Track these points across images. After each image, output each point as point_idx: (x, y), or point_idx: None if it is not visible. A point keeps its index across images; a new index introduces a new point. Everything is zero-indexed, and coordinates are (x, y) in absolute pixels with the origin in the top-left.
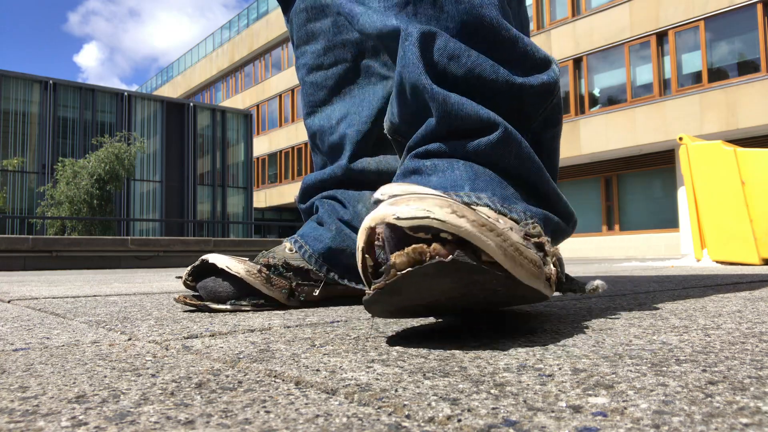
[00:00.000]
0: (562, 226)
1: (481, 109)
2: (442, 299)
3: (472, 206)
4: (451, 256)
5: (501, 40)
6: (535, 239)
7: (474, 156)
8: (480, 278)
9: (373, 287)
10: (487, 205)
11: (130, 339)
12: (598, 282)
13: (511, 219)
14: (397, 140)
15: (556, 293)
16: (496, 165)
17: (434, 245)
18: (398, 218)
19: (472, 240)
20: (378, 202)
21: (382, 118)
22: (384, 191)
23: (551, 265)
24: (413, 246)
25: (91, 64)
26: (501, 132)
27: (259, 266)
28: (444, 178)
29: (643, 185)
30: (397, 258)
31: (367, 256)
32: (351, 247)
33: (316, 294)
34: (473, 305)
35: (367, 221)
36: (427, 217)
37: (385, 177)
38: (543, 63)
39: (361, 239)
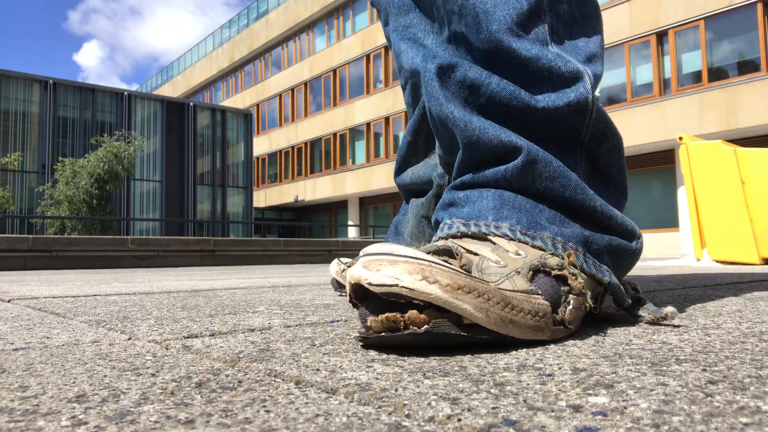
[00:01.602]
0: (622, 245)
1: (503, 132)
2: (432, 347)
3: (490, 236)
4: (426, 326)
5: (521, 61)
6: (556, 271)
7: (504, 182)
8: (463, 340)
9: (360, 335)
10: (506, 235)
11: (130, 338)
12: (669, 309)
13: (535, 247)
14: (450, 173)
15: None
16: (528, 189)
17: (409, 313)
18: (370, 284)
19: (445, 306)
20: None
21: (425, 126)
22: (364, 249)
23: (570, 303)
24: (386, 315)
25: (91, 63)
26: (524, 156)
27: (344, 266)
28: (472, 209)
29: (643, 185)
30: (372, 322)
31: (355, 301)
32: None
33: None
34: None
35: (348, 278)
36: (396, 285)
37: (419, 187)
38: (572, 77)
39: (348, 290)
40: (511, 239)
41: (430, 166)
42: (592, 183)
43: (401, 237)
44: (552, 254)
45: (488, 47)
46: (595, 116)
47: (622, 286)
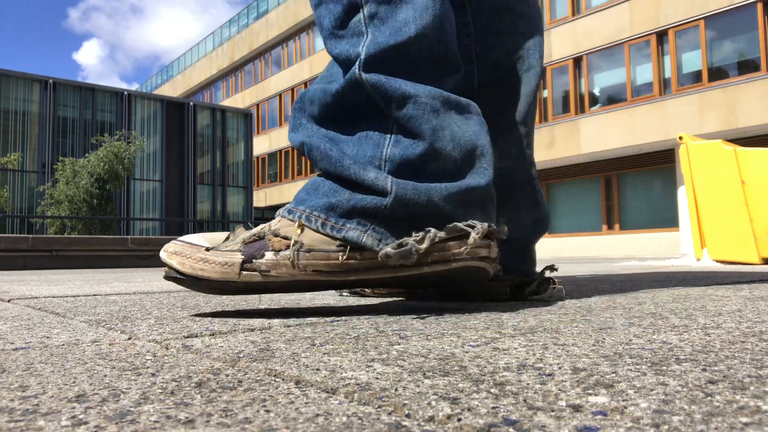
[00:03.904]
0: (370, 203)
1: (295, 134)
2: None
3: (288, 218)
4: (165, 274)
5: (333, 56)
6: (270, 236)
7: (319, 172)
8: (182, 283)
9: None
10: (280, 215)
11: (130, 338)
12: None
13: (290, 220)
14: None
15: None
16: (323, 171)
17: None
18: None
19: (165, 263)
20: None
21: None
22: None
23: (264, 256)
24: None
25: (91, 62)
26: (303, 149)
27: None
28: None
29: (643, 184)
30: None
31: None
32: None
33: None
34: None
35: None
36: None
37: None
38: (350, 63)
39: None
40: (289, 219)
41: None
42: (403, 147)
43: None
44: (290, 223)
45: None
46: (371, 88)
47: (378, 241)
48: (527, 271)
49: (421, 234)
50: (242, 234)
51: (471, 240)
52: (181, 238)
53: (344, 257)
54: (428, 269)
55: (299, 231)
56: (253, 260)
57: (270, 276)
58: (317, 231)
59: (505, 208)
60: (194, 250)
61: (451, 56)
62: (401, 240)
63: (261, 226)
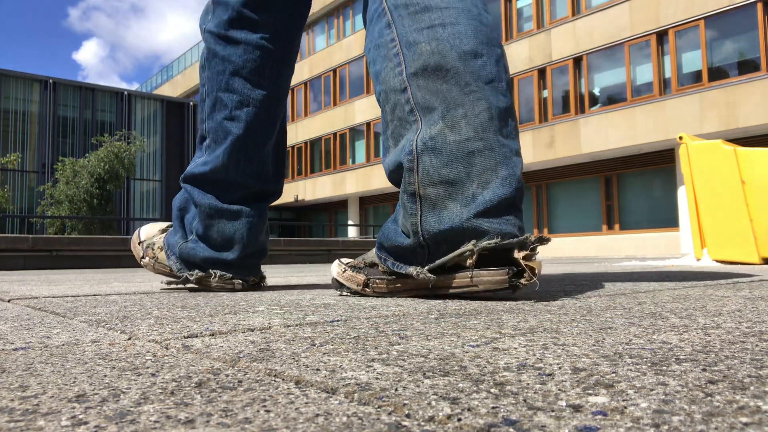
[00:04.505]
0: (174, 251)
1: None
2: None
3: (161, 240)
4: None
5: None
6: (149, 248)
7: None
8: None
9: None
10: (161, 242)
11: (130, 338)
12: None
13: (161, 239)
14: None
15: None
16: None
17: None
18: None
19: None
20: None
21: (388, 122)
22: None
23: (146, 257)
24: None
25: (91, 62)
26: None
27: (344, 267)
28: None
29: (643, 184)
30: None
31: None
32: (395, 240)
33: (384, 286)
34: None
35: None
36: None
37: (396, 175)
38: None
39: None
40: (162, 238)
41: (397, 152)
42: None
43: (398, 224)
44: (161, 246)
45: None
46: (187, 192)
47: (179, 269)
48: (508, 232)
49: (193, 272)
50: (153, 238)
51: (211, 281)
52: (143, 226)
53: (171, 271)
54: (197, 286)
55: (159, 250)
56: (142, 259)
57: (146, 269)
58: (165, 254)
59: (470, 175)
60: (135, 239)
61: (237, 182)
62: (185, 272)
63: (158, 237)
